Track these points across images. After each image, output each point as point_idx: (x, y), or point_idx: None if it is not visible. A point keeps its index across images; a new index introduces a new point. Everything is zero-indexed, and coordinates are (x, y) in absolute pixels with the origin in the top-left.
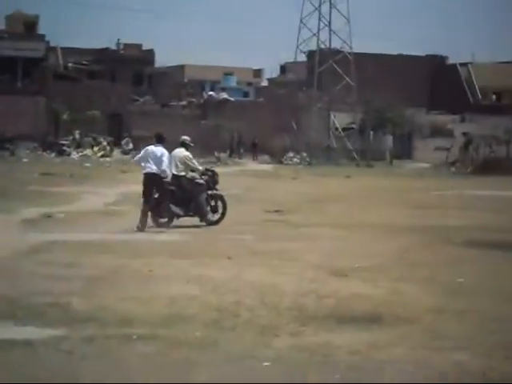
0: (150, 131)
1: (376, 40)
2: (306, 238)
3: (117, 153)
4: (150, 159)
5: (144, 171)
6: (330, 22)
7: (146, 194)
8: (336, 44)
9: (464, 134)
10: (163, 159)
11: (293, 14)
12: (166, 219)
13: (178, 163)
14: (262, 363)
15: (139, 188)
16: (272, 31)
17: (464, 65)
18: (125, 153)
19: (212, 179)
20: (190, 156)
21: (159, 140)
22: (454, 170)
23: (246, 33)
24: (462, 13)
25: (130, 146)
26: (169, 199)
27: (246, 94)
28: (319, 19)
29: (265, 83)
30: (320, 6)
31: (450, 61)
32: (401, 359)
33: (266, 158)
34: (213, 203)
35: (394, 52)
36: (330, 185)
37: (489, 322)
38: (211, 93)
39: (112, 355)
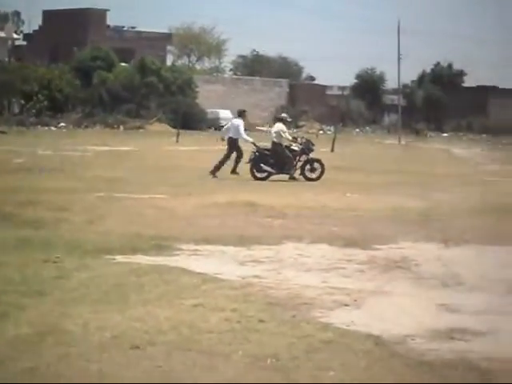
0: None
1: None
2: None
3: None
4: (232, 128)
5: (228, 136)
6: None
7: (229, 151)
8: None
9: None
10: (239, 128)
11: None
12: (264, 174)
13: (274, 134)
14: None
15: None
16: None
17: None
18: None
19: (307, 146)
20: (285, 129)
21: (240, 115)
22: None
23: None
24: None
25: None
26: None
27: None
28: None
29: None
30: None
31: None
32: None
33: None
34: (310, 165)
35: None
36: None
37: None
38: None
39: None
